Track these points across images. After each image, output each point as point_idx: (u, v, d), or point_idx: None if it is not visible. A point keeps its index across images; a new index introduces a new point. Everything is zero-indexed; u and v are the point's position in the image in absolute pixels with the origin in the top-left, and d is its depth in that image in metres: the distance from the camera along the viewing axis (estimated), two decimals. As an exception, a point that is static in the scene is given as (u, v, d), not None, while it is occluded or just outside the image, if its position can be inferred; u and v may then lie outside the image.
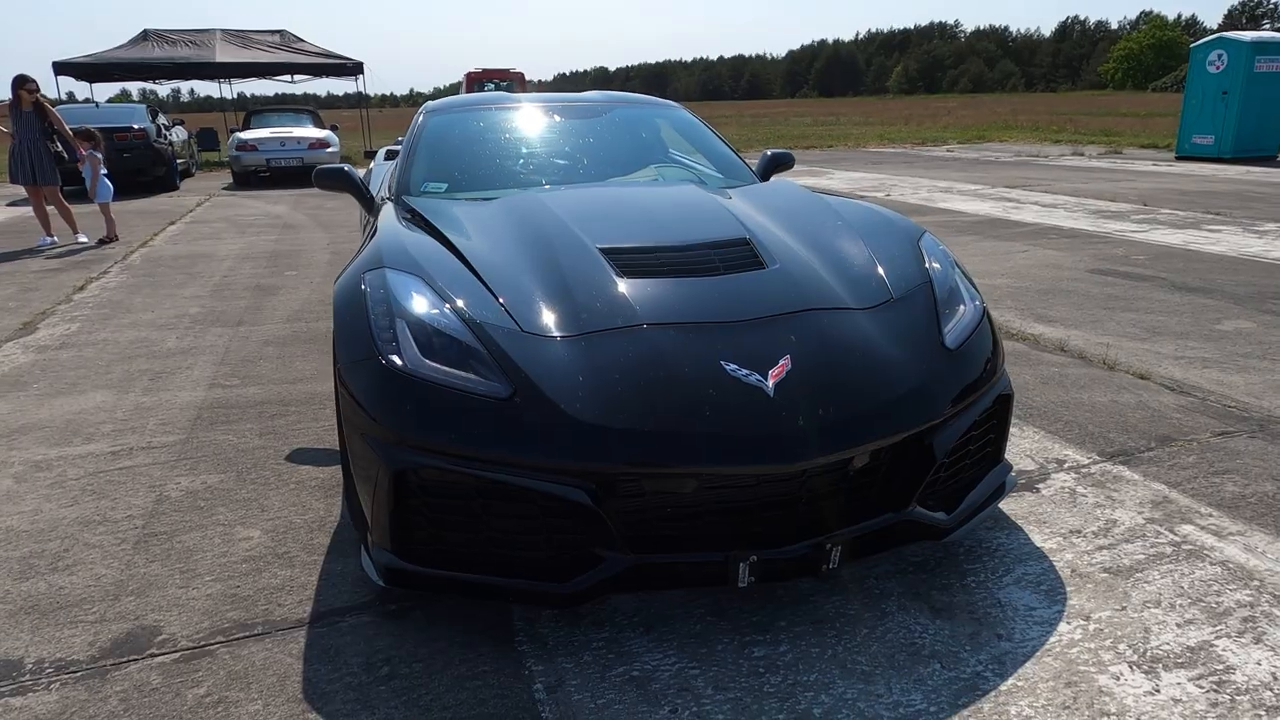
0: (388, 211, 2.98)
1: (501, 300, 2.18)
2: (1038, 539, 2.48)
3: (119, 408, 3.75)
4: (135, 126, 13.07)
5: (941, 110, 43.55)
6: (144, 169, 13.19)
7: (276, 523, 2.67)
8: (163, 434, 3.43)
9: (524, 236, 2.54)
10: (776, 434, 1.89)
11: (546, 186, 3.25)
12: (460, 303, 2.15)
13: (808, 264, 2.43)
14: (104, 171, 8.62)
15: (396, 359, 2.04)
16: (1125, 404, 3.54)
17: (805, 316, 2.19)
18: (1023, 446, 3.13)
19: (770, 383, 1.97)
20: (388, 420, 1.98)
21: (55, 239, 8.39)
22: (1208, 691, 1.82)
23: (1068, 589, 2.22)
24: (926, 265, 2.51)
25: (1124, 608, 2.13)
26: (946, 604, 2.17)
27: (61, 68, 17.45)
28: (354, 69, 19.53)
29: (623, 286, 2.24)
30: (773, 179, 3.75)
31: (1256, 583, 2.23)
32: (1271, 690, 1.82)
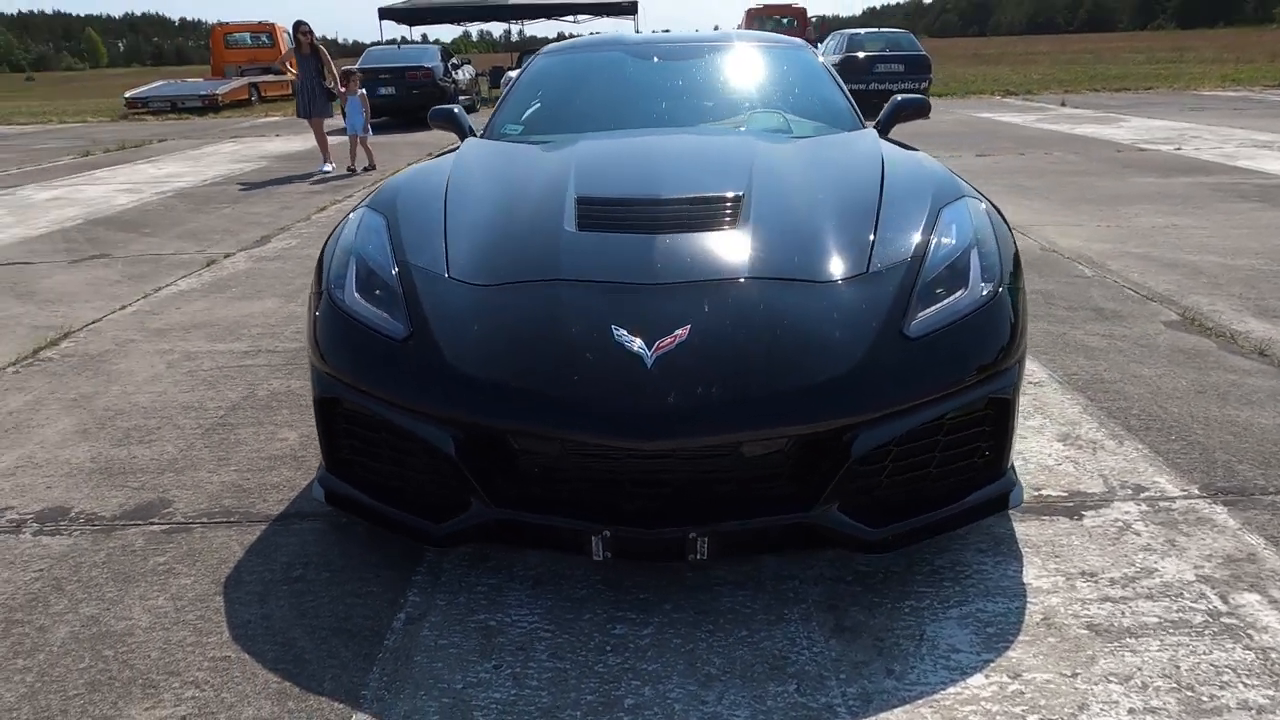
0: (451, 153, 3.12)
1: (447, 245, 2.23)
2: (1031, 573, 2.08)
3: (276, 315, 4.37)
4: (424, 65, 14.65)
5: (1335, 43, 35.05)
6: (428, 104, 14.72)
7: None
8: (291, 340, 3.96)
9: (522, 183, 2.55)
10: (640, 408, 1.77)
11: (611, 132, 3.19)
12: (406, 245, 2.24)
13: (790, 227, 2.19)
14: (359, 109, 9.57)
15: (339, 293, 2.18)
16: (1296, 431, 2.77)
17: (739, 284, 1.99)
18: (1106, 464, 2.59)
19: (651, 354, 1.83)
20: (319, 348, 2.14)
21: (331, 167, 9.68)
22: (1102, 797, 1.46)
23: (1019, 638, 1.85)
24: (931, 238, 2.14)
25: (1074, 675, 1.74)
26: (858, 624, 1.91)
27: (385, 13, 19.92)
28: (628, 8, 20.10)
29: (568, 240, 2.18)
30: (861, 131, 3.26)
31: (1293, 684, 1.70)
32: (1194, 819, 1.41)
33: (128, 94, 20.86)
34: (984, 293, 2.05)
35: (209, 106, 20.11)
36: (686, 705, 1.69)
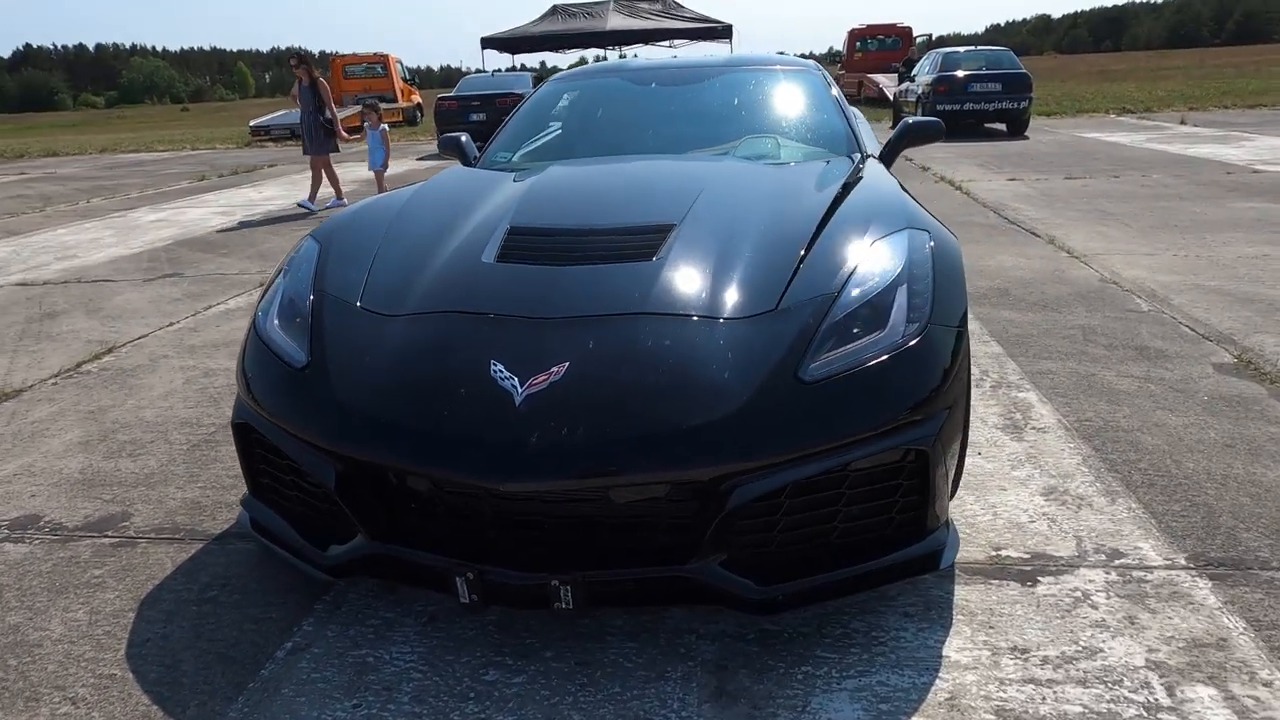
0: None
1: (370, 274, 2.24)
2: (955, 645, 1.88)
3: (302, 334, 4.53)
4: (514, 92, 15.05)
5: None
6: (517, 129, 15.18)
7: (289, 450, 3.07)
8: (304, 360, 4.08)
9: (468, 212, 2.54)
10: (501, 447, 1.71)
11: (585, 160, 3.16)
12: (327, 274, 2.26)
13: (709, 261, 2.08)
14: (380, 145, 9.12)
15: (262, 320, 2.22)
16: (1328, 496, 2.42)
17: (631, 320, 1.90)
18: (1087, 524, 2.33)
19: (522, 391, 1.77)
20: (241, 373, 2.18)
21: (316, 209, 9.02)
22: None
23: (912, 719, 1.67)
24: (854, 274, 1.99)
25: (959, 767, 1.55)
26: (741, 689, 1.77)
27: (487, 42, 20.67)
28: (723, 32, 20.14)
29: (481, 271, 2.15)
30: (840, 158, 3.03)
31: (1219, 801, 1.45)
32: None
33: (252, 122, 22.43)
34: (905, 334, 1.88)
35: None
36: (525, 764, 1.60)
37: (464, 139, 3.81)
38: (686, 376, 1.78)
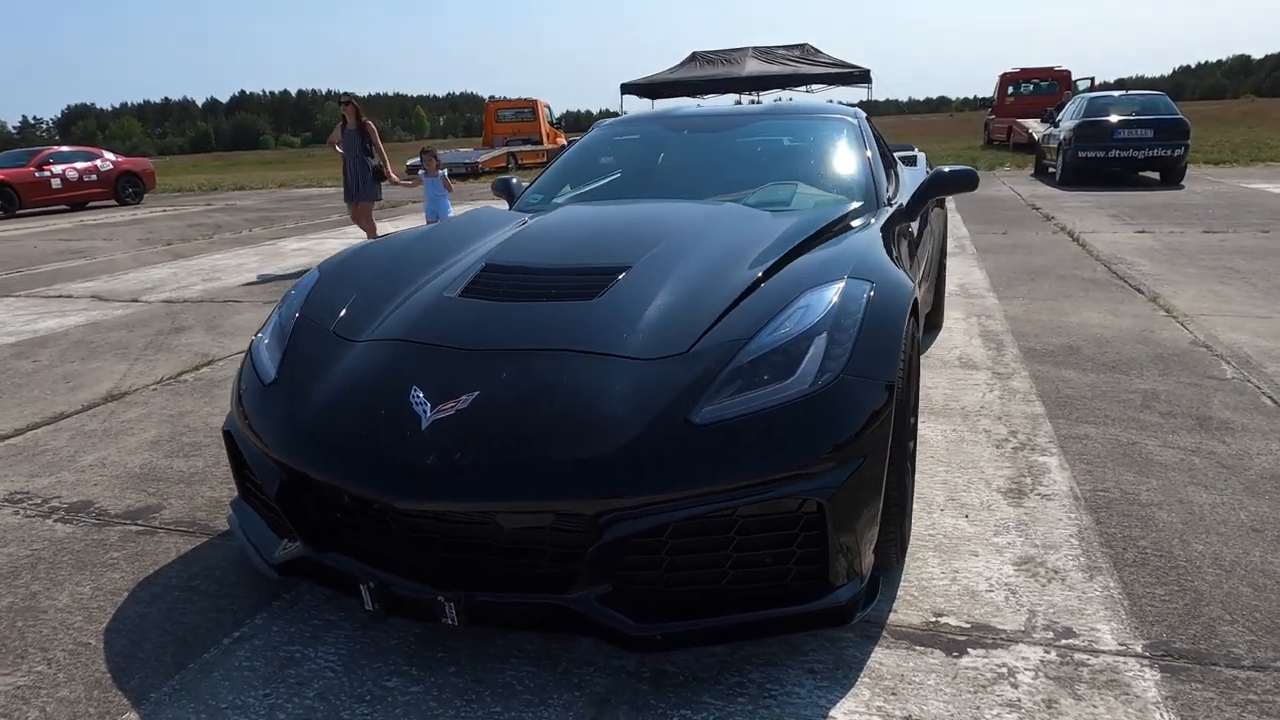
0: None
1: (352, 302, 2.45)
2: (846, 707, 1.82)
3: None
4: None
5: None
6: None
7: (315, 461, 3.34)
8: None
9: (463, 248, 2.73)
10: (402, 467, 1.84)
11: (597, 202, 3.29)
12: (316, 299, 2.49)
13: (642, 303, 2.15)
14: (443, 191, 8.56)
15: (258, 337, 2.48)
16: (1350, 595, 2.14)
17: (545, 355, 2.00)
18: (1050, 600, 2.18)
19: (430, 415, 1.90)
20: (235, 384, 2.44)
21: None
22: None
23: (767, 774, 1.64)
24: (776, 319, 2.00)
25: (792, 828, 1.51)
26: (613, 723, 1.80)
27: (627, 88, 21.44)
28: (861, 77, 19.93)
29: (438, 304, 2.31)
30: (836, 207, 2.96)
31: None
32: None
33: (409, 162, 24.24)
34: (815, 383, 1.87)
35: (471, 173, 22.77)
36: (383, 767, 1.70)
37: (514, 181, 4.05)
38: (582, 412, 1.85)
